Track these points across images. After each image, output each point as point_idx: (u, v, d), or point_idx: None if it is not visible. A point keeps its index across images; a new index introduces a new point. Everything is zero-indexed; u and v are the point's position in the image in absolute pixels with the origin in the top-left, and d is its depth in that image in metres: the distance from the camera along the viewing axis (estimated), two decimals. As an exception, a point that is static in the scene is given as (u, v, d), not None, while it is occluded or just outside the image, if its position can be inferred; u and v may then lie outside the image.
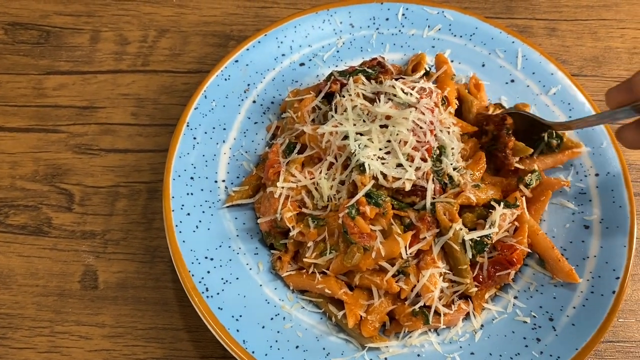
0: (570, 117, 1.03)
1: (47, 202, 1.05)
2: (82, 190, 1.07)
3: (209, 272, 0.88)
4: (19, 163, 1.09)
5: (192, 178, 0.96)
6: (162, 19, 1.25)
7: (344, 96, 0.93)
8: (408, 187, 0.85)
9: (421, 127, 0.86)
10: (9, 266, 0.99)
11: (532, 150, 0.95)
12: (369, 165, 0.85)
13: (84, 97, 1.16)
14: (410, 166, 0.85)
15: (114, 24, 1.25)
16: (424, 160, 0.86)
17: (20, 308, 0.96)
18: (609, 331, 0.96)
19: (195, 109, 1.00)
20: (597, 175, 0.98)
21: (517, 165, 0.96)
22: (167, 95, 1.17)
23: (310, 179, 0.89)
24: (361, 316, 0.85)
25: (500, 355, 0.85)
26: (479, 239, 0.86)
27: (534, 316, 0.88)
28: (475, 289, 0.87)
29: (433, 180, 0.87)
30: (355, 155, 0.86)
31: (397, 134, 0.85)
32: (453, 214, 0.85)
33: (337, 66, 1.08)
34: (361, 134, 0.88)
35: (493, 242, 0.87)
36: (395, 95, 0.90)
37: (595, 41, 1.26)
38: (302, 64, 1.09)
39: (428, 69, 1.05)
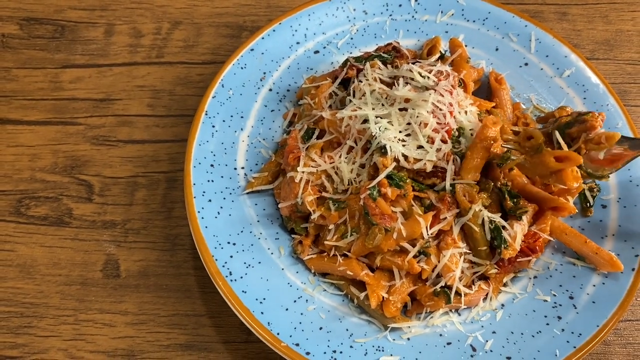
0: (585, 98, 1.04)
1: (67, 193, 1.06)
2: (102, 180, 1.08)
3: (231, 256, 0.89)
4: (39, 155, 1.10)
5: (212, 165, 0.97)
6: (175, 11, 1.26)
7: (361, 81, 0.94)
8: (429, 168, 0.86)
9: (441, 109, 0.87)
10: (32, 256, 1.01)
11: (619, 135, 0.82)
12: (390, 147, 0.86)
13: (100, 89, 1.17)
14: (431, 148, 0.86)
15: (127, 17, 1.26)
16: (444, 141, 0.86)
17: (45, 297, 0.97)
18: (629, 310, 0.97)
19: (213, 97, 1.01)
20: (613, 155, 0.99)
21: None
22: (182, 86, 1.18)
23: (330, 163, 0.90)
24: (383, 297, 0.86)
25: (522, 334, 0.86)
26: (497, 223, 0.86)
27: (554, 295, 0.89)
28: (495, 270, 0.88)
29: (453, 161, 0.88)
30: (376, 138, 0.86)
31: (417, 116, 0.86)
32: (473, 195, 0.86)
33: (351, 53, 1.09)
34: (381, 118, 0.88)
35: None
36: (412, 79, 0.90)
37: (607, 24, 1.27)
38: (316, 52, 1.09)
39: (443, 53, 1.05)
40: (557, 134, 0.85)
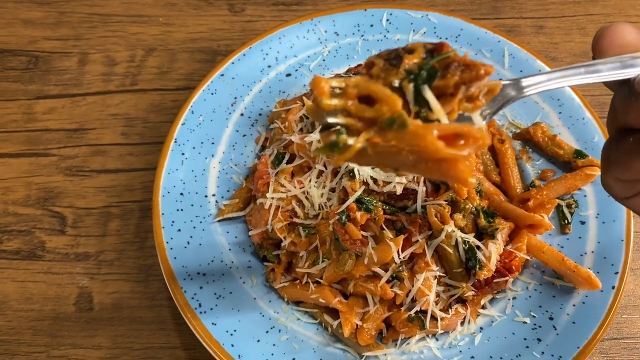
0: (560, 112, 1.02)
1: (40, 226, 1.05)
2: (75, 212, 1.06)
3: (201, 287, 0.87)
4: (11, 188, 1.09)
5: (181, 194, 0.95)
6: (149, 38, 1.26)
7: (330, 103, 0.92)
8: (399, 190, 0.84)
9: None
10: (3, 292, 0.99)
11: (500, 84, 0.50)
12: (358, 170, 0.84)
13: (73, 119, 1.16)
14: (399, 170, 0.84)
15: (101, 46, 1.25)
16: (412, 163, 0.85)
17: (16, 334, 0.95)
18: (613, 328, 0.95)
19: (182, 124, 1.00)
20: (591, 170, 0.97)
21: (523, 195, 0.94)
22: (156, 113, 1.17)
23: (300, 188, 0.89)
24: (357, 324, 0.84)
25: (501, 358, 0.83)
26: (471, 243, 0.84)
27: (534, 316, 0.87)
28: (472, 293, 0.86)
29: (425, 182, 0.86)
30: (343, 161, 0.85)
31: (385, 138, 0.84)
32: (445, 216, 0.84)
33: (323, 74, 1.08)
34: (348, 140, 0.87)
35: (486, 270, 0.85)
36: (381, 100, 0.89)
37: (584, 36, 1.26)
38: (288, 75, 1.08)
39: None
40: (427, 90, 0.47)
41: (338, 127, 0.48)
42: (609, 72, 0.51)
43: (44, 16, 1.29)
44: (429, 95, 0.47)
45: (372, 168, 0.85)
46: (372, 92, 0.47)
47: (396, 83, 0.48)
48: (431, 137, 0.44)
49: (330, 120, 0.48)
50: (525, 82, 0.53)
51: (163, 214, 0.92)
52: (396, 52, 0.50)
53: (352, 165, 0.84)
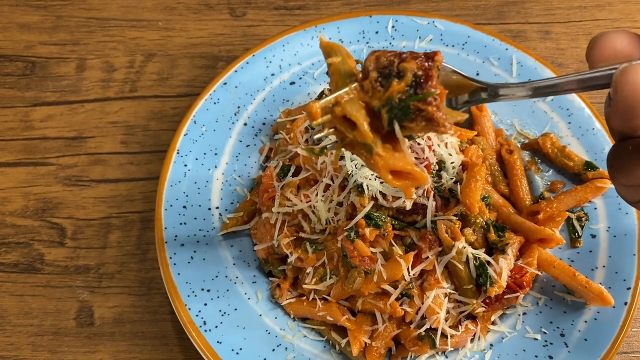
0: (570, 122, 1.01)
1: (38, 238, 1.03)
2: (74, 223, 1.04)
3: (206, 304, 0.85)
4: (8, 199, 1.06)
5: (184, 207, 0.93)
6: (149, 43, 1.23)
7: (336, 115, 0.90)
8: (408, 206, 0.82)
9: (419, 144, 0.83)
10: (1, 306, 0.97)
11: (465, 116, 0.61)
12: (367, 185, 0.82)
13: (72, 127, 1.14)
14: (409, 184, 0.82)
15: (100, 51, 1.22)
16: (422, 177, 0.83)
17: (15, 349, 0.93)
18: (625, 342, 0.93)
19: (184, 135, 0.98)
20: (601, 181, 0.95)
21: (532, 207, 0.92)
22: (156, 121, 1.14)
23: (307, 202, 0.87)
24: (365, 343, 0.82)
25: (512, 376, 0.82)
26: (482, 259, 0.83)
27: (545, 332, 0.85)
28: (482, 309, 0.84)
29: (434, 197, 0.85)
30: (352, 175, 0.83)
31: (394, 152, 0.82)
32: (455, 232, 0.82)
33: (328, 83, 1.06)
34: (356, 154, 0.85)
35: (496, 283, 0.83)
36: (389, 112, 0.87)
37: (591, 42, 1.24)
38: (292, 83, 1.06)
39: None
40: (396, 126, 0.59)
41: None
42: (589, 83, 0.55)
43: (40, 20, 1.26)
44: (397, 130, 0.59)
45: (381, 182, 0.83)
46: (354, 119, 0.59)
47: (377, 107, 0.59)
48: (384, 172, 0.60)
49: (317, 136, 0.65)
50: (502, 91, 0.62)
51: (166, 228, 0.90)
52: (390, 69, 0.59)
53: (360, 180, 0.82)
